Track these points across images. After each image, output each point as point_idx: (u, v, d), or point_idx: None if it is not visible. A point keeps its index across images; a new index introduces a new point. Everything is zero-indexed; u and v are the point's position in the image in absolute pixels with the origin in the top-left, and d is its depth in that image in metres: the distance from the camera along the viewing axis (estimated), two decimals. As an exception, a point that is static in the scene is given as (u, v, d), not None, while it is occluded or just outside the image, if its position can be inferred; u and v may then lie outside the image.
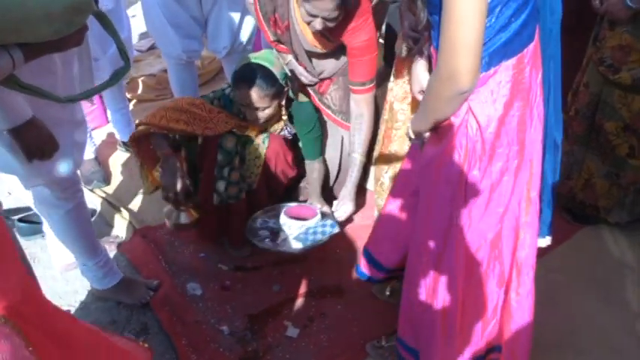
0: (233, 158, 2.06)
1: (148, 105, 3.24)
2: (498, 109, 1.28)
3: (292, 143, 2.31)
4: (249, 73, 1.97)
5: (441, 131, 1.35)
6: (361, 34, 1.97)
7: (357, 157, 2.14)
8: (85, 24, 1.29)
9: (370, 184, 2.50)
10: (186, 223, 2.04)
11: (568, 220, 2.37)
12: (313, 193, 2.30)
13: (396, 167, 2.18)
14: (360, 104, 2.11)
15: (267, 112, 2.03)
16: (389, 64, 2.26)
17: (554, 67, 1.38)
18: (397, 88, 2.02)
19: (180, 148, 2.14)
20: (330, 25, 1.84)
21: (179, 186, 1.96)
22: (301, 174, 2.40)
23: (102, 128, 3.05)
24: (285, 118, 2.20)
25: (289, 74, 2.16)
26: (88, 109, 2.86)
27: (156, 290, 2.05)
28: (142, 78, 3.44)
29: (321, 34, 2.00)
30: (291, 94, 2.21)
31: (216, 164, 2.04)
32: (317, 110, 2.28)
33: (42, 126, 1.46)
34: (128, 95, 3.15)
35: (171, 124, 1.98)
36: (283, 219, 2.15)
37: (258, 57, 2.05)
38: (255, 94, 1.96)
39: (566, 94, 2.26)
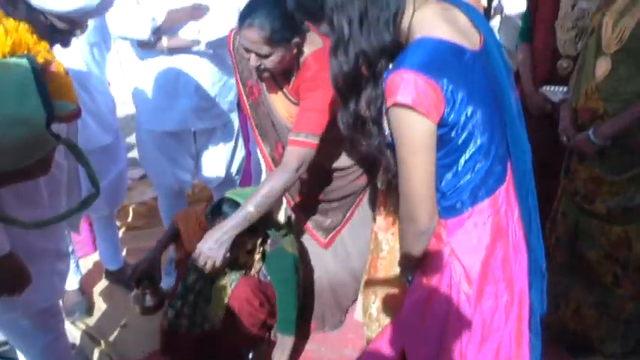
0: (188, 294, 2.05)
1: (138, 233, 3.26)
2: (481, 251, 1.33)
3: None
4: (218, 208, 1.95)
5: (428, 274, 1.39)
6: (316, 85, 1.80)
7: (249, 209, 1.78)
8: (49, 154, 1.29)
9: (359, 315, 2.46)
10: (150, 306, 2.08)
11: (561, 353, 2.24)
12: None
13: (382, 296, 2.17)
14: (287, 155, 1.83)
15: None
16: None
17: (532, 201, 1.44)
18: (380, 219, 2.07)
19: None
20: (267, 64, 1.76)
21: (142, 268, 2.04)
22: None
23: (88, 257, 3.03)
24: (257, 257, 2.08)
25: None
26: (76, 237, 2.87)
27: None
28: (133, 206, 3.50)
29: (283, 90, 1.93)
30: (272, 232, 2.11)
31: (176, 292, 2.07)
32: (297, 270, 2.08)
33: (16, 259, 1.40)
34: (118, 223, 3.19)
35: (180, 223, 2.16)
36: None
37: (236, 193, 1.97)
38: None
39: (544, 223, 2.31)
